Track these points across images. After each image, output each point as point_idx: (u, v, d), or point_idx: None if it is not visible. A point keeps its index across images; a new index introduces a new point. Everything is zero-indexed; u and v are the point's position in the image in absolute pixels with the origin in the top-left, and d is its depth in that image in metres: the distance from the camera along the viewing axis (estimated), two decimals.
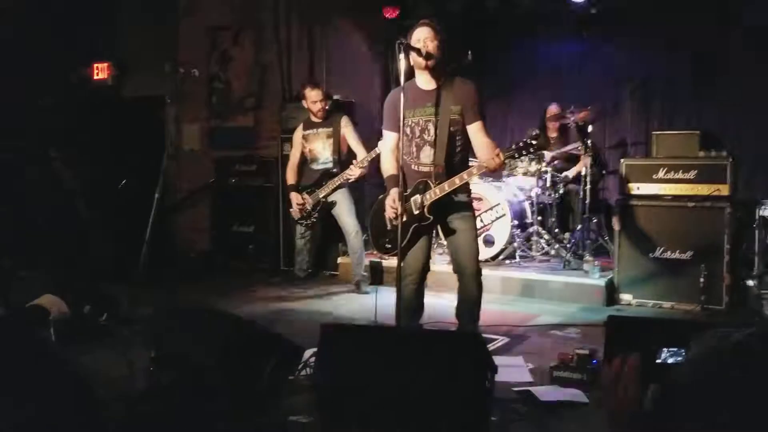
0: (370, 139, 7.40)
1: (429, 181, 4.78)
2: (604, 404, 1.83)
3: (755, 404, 1.53)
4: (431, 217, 4.78)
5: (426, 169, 4.84)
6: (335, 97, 8.36)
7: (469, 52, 8.93)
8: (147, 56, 10.09)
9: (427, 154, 4.85)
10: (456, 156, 4.87)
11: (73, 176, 8.66)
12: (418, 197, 4.79)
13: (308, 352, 4.27)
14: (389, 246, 5.05)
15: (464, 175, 4.68)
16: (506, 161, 4.65)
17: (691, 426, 1.63)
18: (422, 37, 4.75)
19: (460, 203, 4.90)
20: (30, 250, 7.72)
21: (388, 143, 5.08)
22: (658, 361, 1.80)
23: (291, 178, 7.78)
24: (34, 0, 9.23)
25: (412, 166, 4.91)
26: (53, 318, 5.18)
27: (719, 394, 1.56)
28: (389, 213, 4.88)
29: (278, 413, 3.91)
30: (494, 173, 7.21)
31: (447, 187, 4.70)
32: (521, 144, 4.49)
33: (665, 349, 1.83)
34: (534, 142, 4.46)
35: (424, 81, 4.89)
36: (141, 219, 7.57)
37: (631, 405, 1.76)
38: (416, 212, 4.78)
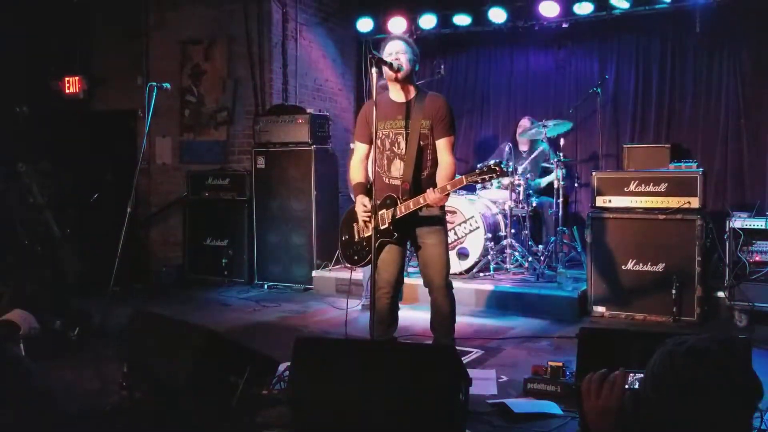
0: (344, 152, 7.38)
1: (396, 197, 4.74)
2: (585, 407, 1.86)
3: (707, 401, 1.56)
4: (396, 234, 4.74)
5: (396, 182, 4.82)
6: (308, 110, 8.36)
7: (442, 67, 8.99)
8: (119, 70, 10.06)
9: (397, 167, 4.84)
10: (426, 170, 4.83)
11: (41, 190, 8.56)
12: (385, 212, 4.74)
13: (282, 366, 4.26)
14: (356, 258, 5.04)
15: (427, 195, 4.60)
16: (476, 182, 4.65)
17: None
18: (394, 50, 4.76)
19: (430, 217, 4.85)
20: None
21: (356, 154, 5.09)
22: (627, 386, 1.83)
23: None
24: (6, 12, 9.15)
25: (384, 179, 4.87)
26: (23, 333, 5.12)
27: (672, 393, 1.59)
28: (361, 218, 4.87)
29: (252, 427, 3.90)
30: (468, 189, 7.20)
31: (412, 205, 4.66)
32: (485, 168, 4.50)
33: (632, 375, 1.86)
34: (497, 168, 4.47)
35: (396, 93, 4.88)
36: (113, 233, 7.50)
37: (613, 406, 1.79)
38: (383, 227, 4.74)
